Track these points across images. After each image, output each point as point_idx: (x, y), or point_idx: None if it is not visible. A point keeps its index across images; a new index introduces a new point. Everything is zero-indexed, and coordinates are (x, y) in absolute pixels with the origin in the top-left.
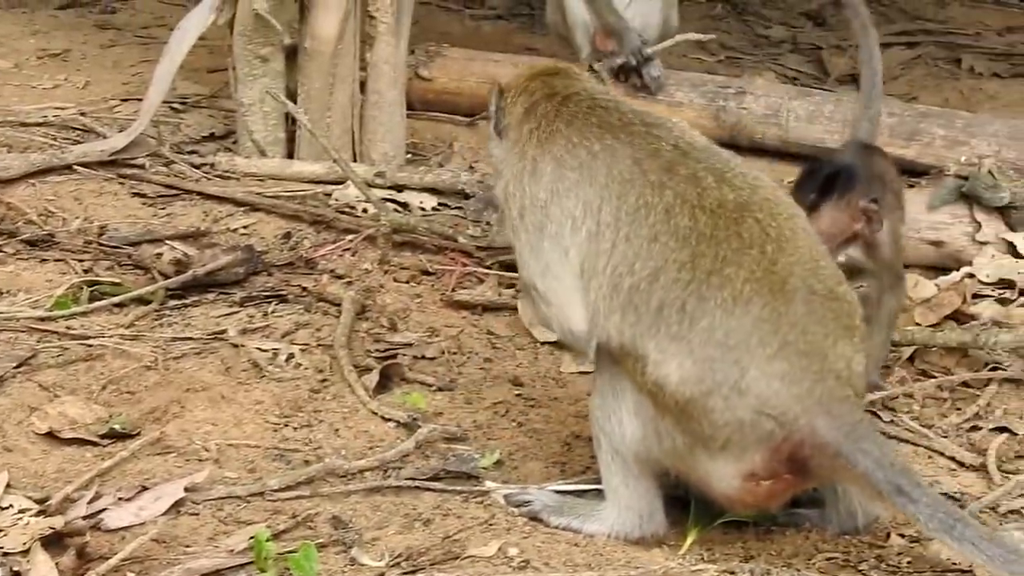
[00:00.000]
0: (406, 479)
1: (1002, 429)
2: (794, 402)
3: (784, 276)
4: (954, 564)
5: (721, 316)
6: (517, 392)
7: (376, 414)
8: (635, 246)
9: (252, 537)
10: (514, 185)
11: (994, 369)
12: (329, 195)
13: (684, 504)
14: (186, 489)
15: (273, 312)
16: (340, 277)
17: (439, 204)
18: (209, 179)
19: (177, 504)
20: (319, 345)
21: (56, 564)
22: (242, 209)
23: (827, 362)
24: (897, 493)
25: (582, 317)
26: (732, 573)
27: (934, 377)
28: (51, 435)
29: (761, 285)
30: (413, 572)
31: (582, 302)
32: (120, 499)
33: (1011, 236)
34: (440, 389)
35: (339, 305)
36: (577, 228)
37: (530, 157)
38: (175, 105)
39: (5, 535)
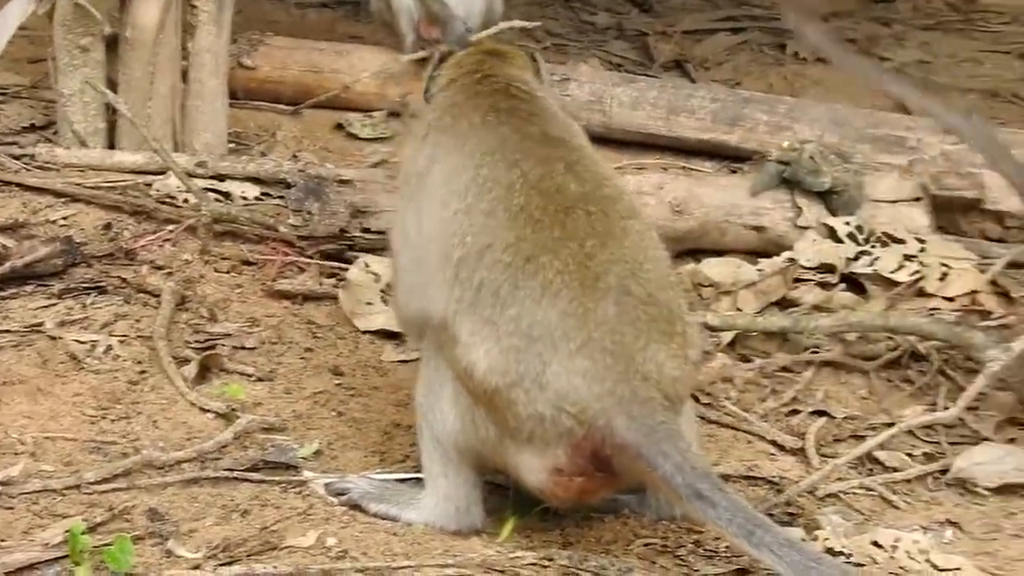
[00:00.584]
0: (224, 470)
1: (821, 413)
2: (594, 400)
3: (598, 273)
4: None
5: (529, 305)
6: (337, 382)
7: (195, 405)
8: (472, 218)
9: (68, 531)
10: (409, 151)
11: (814, 353)
12: (150, 185)
13: (504, 491)
14: (0, 483)
15: (92, 304)
16: (160, 268)
17: (261, 194)
18: (29, 170)
19: None
20: (138, 336)
21: None
22: (62, 200)
23: (633, 363)
24: (696, 497)
25: (420, 292)
26: (550, 560)
27: (754, 361)
28: None
29: (572, 279)
30: (230, 563)
31: (424, 273)
32: None
33: (832, 221)
34: (260, 379)
35: (159, 296)
36: (435, 195)
37: (428, 125)
38: None
39: None
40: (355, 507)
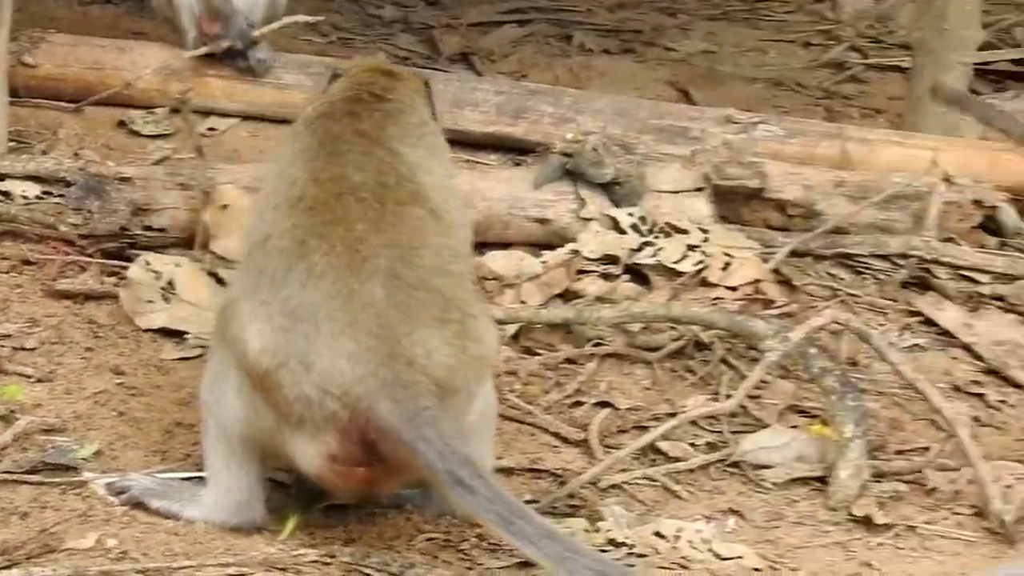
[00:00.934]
0: (3, 472)
1: (604, 404)
2: (357, 382)
3: (366, 256)
4: None
5: (297, 287)
6: (119, 381)
7: None
8: (262, 209)
9: None
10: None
11: (597, 345)
12: None
13: (287, 489)
14: None
15: None
16: None
17: (42, 192)
18: None
19: None
20: None
21: None
22: None
23: (399, 347)
24: (456, 483)
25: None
26: (332, 557)
27: (539, 355)
28: None
29: (339, 261)
30: (8, 567)
31: None
32: None
33: (615, 212)
34: (39, 380)
35: None
36: (259, 196)
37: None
38: None
39: None
40: (136, 505)
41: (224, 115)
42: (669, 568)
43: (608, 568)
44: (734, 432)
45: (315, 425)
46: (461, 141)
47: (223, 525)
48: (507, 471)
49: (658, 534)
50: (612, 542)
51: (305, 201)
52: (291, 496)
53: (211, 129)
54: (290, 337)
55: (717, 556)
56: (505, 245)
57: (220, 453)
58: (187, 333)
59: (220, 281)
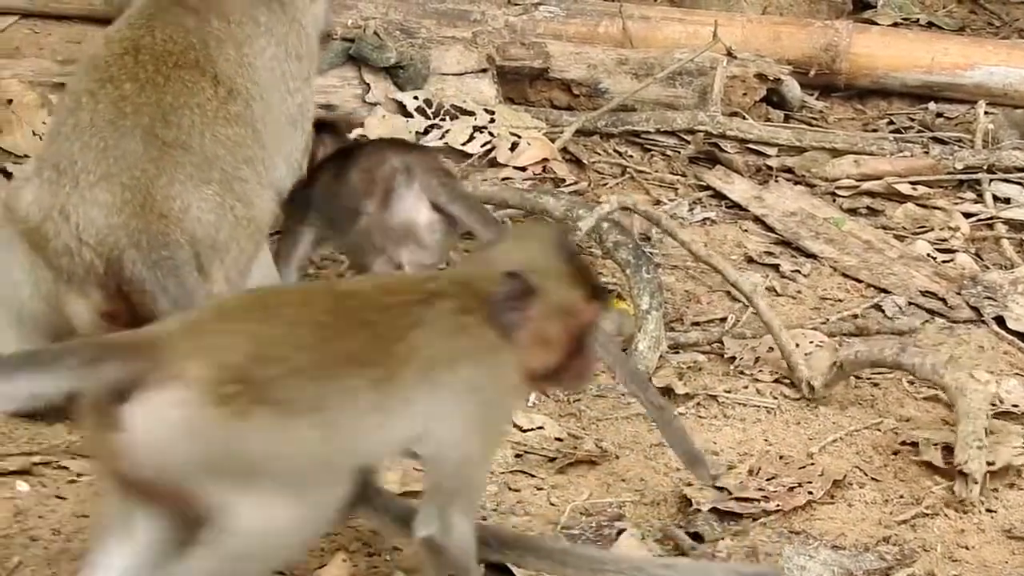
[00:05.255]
0: None
1: None
2: (108, 232)
3: (128, 112)
4: None
5: (65, 142)
6: None
7: None
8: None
9: None
10: None
11: None
12: None
13: None
14: None
15: None
16: None
17: None
18: None
19: None
20: None
21: None
22: None
23: (152, 200)
24: None
25: None
26: None
27: None
28: None
29: (102, 117)
30: None
31: None
32: None
33: (400, 96)
34: None
35: None
36: None
37: None
38: None
39: None
40: None
41: (3, 13)
42: None
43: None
44: None
45: (79, 278)
46: None
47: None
48: None
49: None
50: None
51: (93, 61)
52: None
53: None
54: (54, 189)
55: (519, 428)
56: None
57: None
58: None
59: (8, 176)
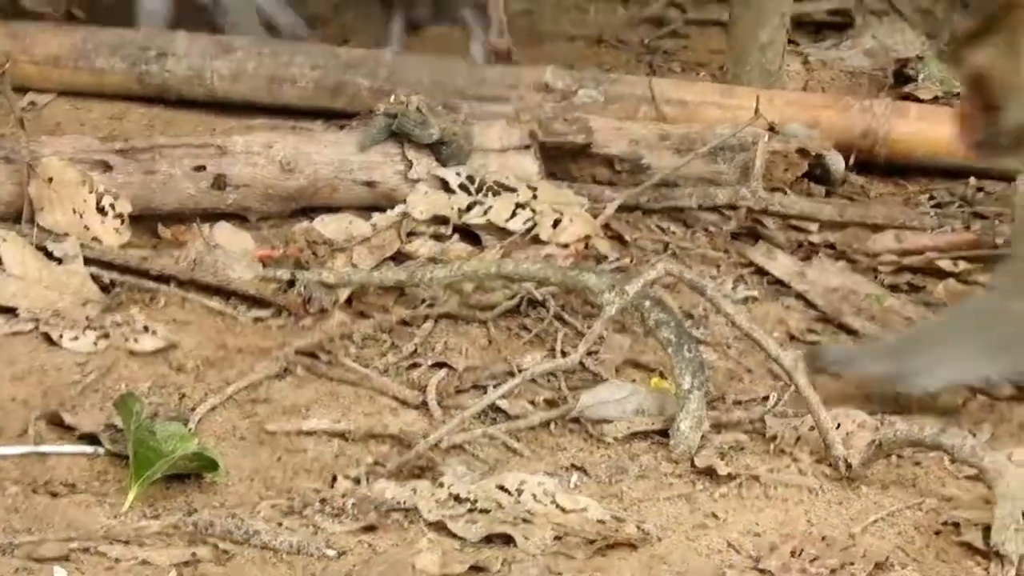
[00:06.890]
0: None
1: (441, 365)
2: None
3: None
4: (399, 504)
5: None
6: None
7: None
8: None
9: None
10: None
11: (431, 307)
12: None
13: (124, 460)
14: None
15: None
16: None
17: None
18: None
19: None
20: None
21: None
22: None
23: None
24: None
25: None
26: (176, 528)
27: (372, 317)
28: None
29: None
30: None
31: None
32: None
33: (442, 172)
34: None
35: None
36: None
37: None
38: None
39: None
40: None
41: (45, 90)
42: (513, 522)
43: None
44: (572, 388)
45: None
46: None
47: None
48: (346, 435)
49: (501, 488)
50: (455, 498)
51: None
52: (128, 467)
53: (31, 104)
54: None
55: (561, 509)
56: (334, 209)
57: None
58: (18, 308)
59: (49, 255)
